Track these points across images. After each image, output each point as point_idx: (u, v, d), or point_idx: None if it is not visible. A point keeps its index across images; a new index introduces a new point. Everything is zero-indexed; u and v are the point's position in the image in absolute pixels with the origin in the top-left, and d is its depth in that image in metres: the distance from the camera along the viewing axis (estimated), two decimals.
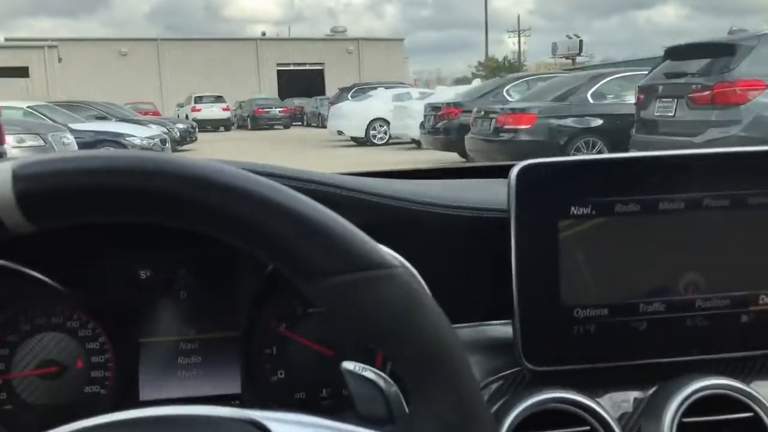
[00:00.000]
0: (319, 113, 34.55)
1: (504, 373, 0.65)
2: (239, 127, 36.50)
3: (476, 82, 20.35)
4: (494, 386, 0.64)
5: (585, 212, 0.61)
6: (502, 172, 0.70)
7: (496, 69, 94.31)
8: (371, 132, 19.96)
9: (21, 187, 0.39)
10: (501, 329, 0.70)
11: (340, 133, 20.28)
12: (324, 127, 31.91)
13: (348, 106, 20.62)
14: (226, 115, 33.21)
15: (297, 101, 39.12)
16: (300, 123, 36.63)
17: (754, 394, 0.60)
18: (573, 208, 0.61)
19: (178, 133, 18.73)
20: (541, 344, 0.63)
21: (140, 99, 44.37)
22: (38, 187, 0.39)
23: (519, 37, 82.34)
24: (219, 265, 0.69)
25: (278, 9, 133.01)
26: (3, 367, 0.68)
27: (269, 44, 50.58)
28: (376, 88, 23.52)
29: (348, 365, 0.45)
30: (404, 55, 57.86)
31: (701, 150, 0.64)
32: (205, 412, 0.43)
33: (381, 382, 0.44)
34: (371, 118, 19.84)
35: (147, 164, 0.41)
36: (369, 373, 0.44)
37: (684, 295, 0.64)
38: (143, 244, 0.66)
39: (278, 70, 51.02)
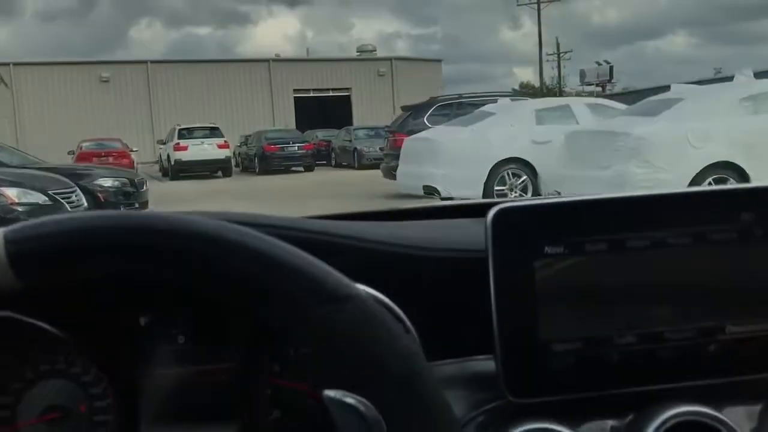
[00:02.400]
0: (355, 149, 23.77)
1: (488, 407, 0.66)
2: (244, 170, 26.00)
3: None
4: (479, 419, 0.65)
5: (558, 251, 0.63)
6: (479, 211, 0.72)
7: (532, 95, 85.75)
8: (496, 188, 9.37)
9: (12, 249, 0.44)
10: (484, 364, 0.70)
11: (431, 193, 9.63)
12: (361, 167, 21.70)
13: (445, 137, 9.94)
14: (223, 154, 22.87)
15: (321, 134, 28.54)
16: (325, 162, 26.08)
17: (725, 420, 0.62)
18: (547, 248, 0.63)
19: (84, 201, 8.15)
20: (522, 377, 0.64)
21: (123, 133, 34.39)
22: (28, 249, 0.44)
23: (559, 60, 73.02)
24: (214, 308, 0.70)
25: (290, 46, 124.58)
26: (8, 414, 0.69)
27: (284, 66, 40.58)
28: (479, 101, 12.73)
29: (329, 393, 0.47)
30: (442, 81, 47.67)
31: (664, 191, 0.67)
32: None
33: (361, 407, 0.46)
34: (497, 160, 9.27)
35: (127, 221, 0.45)
36: (350, 399, 0.46)
37: (654, 327, 0.65)
38: (142, 291, 0.67)
39: (296, 97, 40.79)
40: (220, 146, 22.91)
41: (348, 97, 42.13)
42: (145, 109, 36.98)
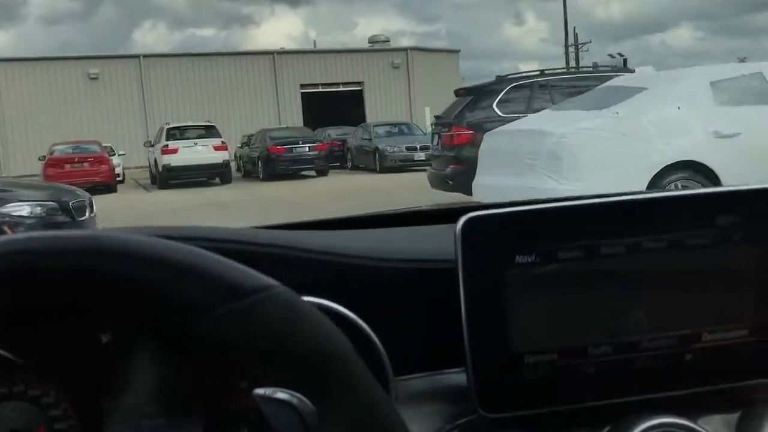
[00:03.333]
0: (376, 149, 19.97)
1: (460, 422, 0.64)
2: (246, 175, 22.22)
3: None
4: None
5: (530, 260, 0.62)
6: (447, 217, 0.70)
7: None
8: None
9: None
10: (455, 377, 0.68)
11: None
12: (383, 170, 17.98)
13: (566, 127, 5.97)
14: (220, 157, 19.09)
15: (333, 132, 24.69)
16: (339, 164, 22.21)
17: (700, 430, 0.61)
18: (518, 257, 0.62)
19: None
20: (494, 391, 0.62)
21: (113, 134, 30.71)
22: None
23: (577, 51, 69.03)
24: (174, 325, 0.67)
25: (295, 45, 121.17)
26: None
27: (290, 60, 36.80)
28: (578, 79, 8.89)
29: (259, 391, 0.45)
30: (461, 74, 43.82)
31: (637, 195, 0.65)
32: None
33: (294, 401, 0.45)
34: (663, 164, 5.29)
35: (23, 243, 0.44)
36: (281, 394, 0.45)
37: (630, 337, 0.64)
38: (102, 308, 0.63)
39: (303, 93, 36.97)
40: (216, 148, 19.13)
41: (360, 92, 38.30)
42: (138, 107, 33.30)
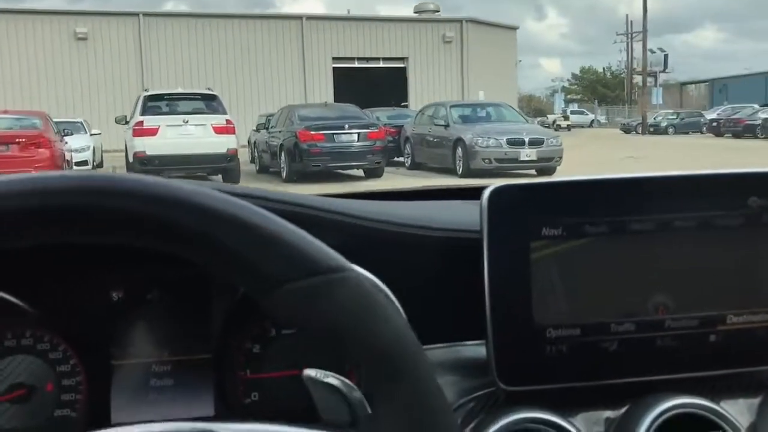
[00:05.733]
0: (458, 140, 12.93)
1: (478, 393, 0.64)
2: (262, 171, 15.26)
3: None
4: (469, 406, 0.63)
5: (556, 233, 0.61)
6: (475, 193, 0.69)
7: (595, 82, 74.70)
8: None
9: None
10: (475, 349, 0.68)
11: None
12: (470, 173, 11.41)
13: None
14: (224, 143, 12.11)
15: (382, 115, 17.56)
16: (390, 160, 15.05)
17: (723, 412, 0.60)
18: (544, 229, 0.61)
19: None
20: (515, 364, 0.62)
21: (104, 108, 23.88)
22: None
23: (630, 41, 61.61)
24: (192, 285, 0.67)
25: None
26: None
27: (321, 27, 29.70)
28: None
29: (310, 372, 0.45)
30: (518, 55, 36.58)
31: (670, 173, 0.63)
32: (166, 428, 0.45)
33: (343, 387, 0.44)
34: None
35: (95, 182, 0.41)
36: (331, 379, 0.45)
37: (654, 315, 0.63)
38: (115, 264, 0.64)
39: (335, 68, 29.84)
40: (218, 129, 12.13)
41: (403, 69, 31.15)
42: (135, 76, 26.39)
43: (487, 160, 12.54)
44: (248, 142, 17.91)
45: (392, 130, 15.60)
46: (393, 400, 0.43)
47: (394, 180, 13.19)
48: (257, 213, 0.43)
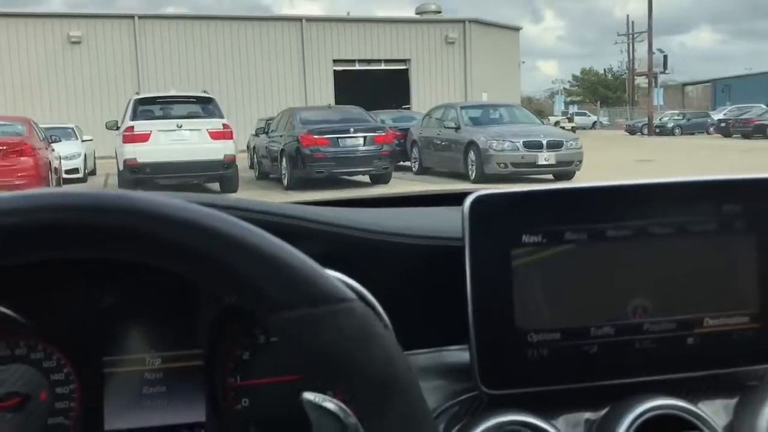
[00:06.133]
0: (471, 143, 12.10)
1: (462, 398, 0.65)
2: (263, 178, 14.44)
3: None
4: (453, 410, 0.64)
5: (536, 240, 0.62)
6: (458, 199, 0.70)
7: (596, 83, 73.90)
8: None
9: None
10: (458, 354, 0.69)
11: None
12: (484, 179, 10.94)
13: None
14: (220, 149, 11.21)
15: (387, 118, 16.73)
16: (403, 164, 14.22)
17: (700, 413, 0.62)
18: (525, 237, 0.62)
19: None
20: (497, 368, 0.63)
21: (98, 113, 23.10)
22: None
23: (631, 42, 60.84)
24: (182, 293, 0.67)
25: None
26: None
27: (321, 29, 28.88)
28: None
29: (308, 396, 0.46)
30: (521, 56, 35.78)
31: (646, 180, 0.65)
32: None
33: (340, 413, 0.45)
34: None
35: (99, 200, 0.42)
36: (329, 404, 0.45)
37: (632, 319, 0.64)
38: (106, 273, 0.64)
39: (336, 71, 29.04)
40: (215, 135, 11.28)
41: (405, 71, 30.33)
42: (130, 80, 25.54)
43: (502, 165, 11.69)
44: (247, 147, 17.07)
45: (398, 133, 14.76)
46: (384, 423, 0.44)
47: (401, 186, 12.35)
48: (265, 238, 0.44)
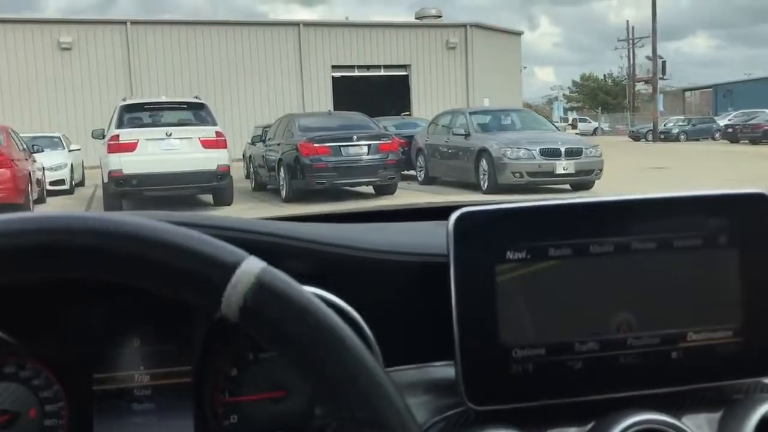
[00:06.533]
0: (483, 151, 11.11)
1: (449, 413, 0.64)
2: (259, 189, 13.56)
3: None
4: (440, 426, 0.64)
5: (520, 256, 0.62)
6: (443, 213, 0.71)
7: (596, 89, 73.21)
8: None
9: None
10: (445, 370, 0.69)
11: None
12: (497, 189, 10.05)
13: None
14: (213, 159, 10.30)
15: (390, 124, 15.83)
16: (407, 173, 13.26)
17: (684, 428, 0.61)
18: (509, 253, 0.62)
19: None
20: (483, 384, 0.63)
21: (89, 121, 22.21)
22: None
23: (632, 47, 60.12)
24: (170, 310, 0.68)
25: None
26: None
27: (319, 33, 28.06)
28: None
29: None
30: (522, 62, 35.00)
31: (628, 196, 0.65)
32: None
33: None
34: None
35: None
36: None
37: (617, 334, 0.64)
38: (95, 289, 0.65)
39: (334, 77, 28.22)
40: (207, 144, 10.40)
41: (405, 77, 29.51)
42: (123, 87, 24.64)
43: (518, 174, 10.82)
44: (243, 156, 16.18)
45: (402, 141, 13.88)
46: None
47: (406, 197, 11.48)
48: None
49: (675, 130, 35.70)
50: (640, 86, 59.27)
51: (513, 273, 0.62)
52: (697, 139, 34.36)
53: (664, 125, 36.82)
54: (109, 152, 10.12)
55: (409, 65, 29.29)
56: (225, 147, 10.50)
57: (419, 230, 0.80)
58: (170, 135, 10.23)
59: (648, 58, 63.70)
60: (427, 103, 28.29)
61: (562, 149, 10.92)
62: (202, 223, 0.63)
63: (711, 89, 60.09)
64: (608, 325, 0.64)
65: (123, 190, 10.11)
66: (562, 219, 0.63)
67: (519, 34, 35.12)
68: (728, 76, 75.50)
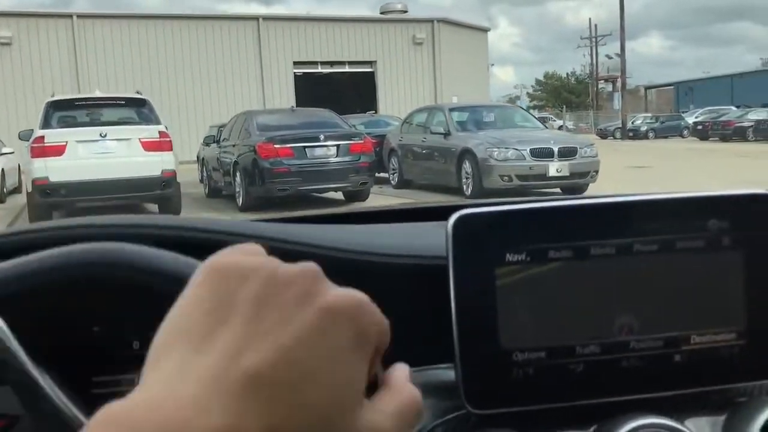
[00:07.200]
0: (466, 152, 9.72)
1: (449, 416, 0.64)
2: (212, 195, 12.05)
3: None
4: (440, 429, 0.63)
5: (520, 259, 0.61)
6: (443, 214, 0.69)
7: (559, 88, 72.76)
8: None
9: None
10: (445, 373, 0.68)
11: None
12: (483, 193, 8.79)
13: None
14: (156, 164, 8.79)
15: (358, 122, 14.38)
16: (380, 175, 11.77)
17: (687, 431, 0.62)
18: (509, 255, 0.61)
19: None
20: (483, 387, 0.62)
21: (30, 121, 20.17)
22: None
23: (595, 45, 59.65)
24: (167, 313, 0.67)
25: None
26: None
27: (280, 28, 26.53)
28: None
29: None
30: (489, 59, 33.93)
31: (629, 197, 0.64)
32: None
33: None
34: None
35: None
36: None
37: (618, 337, 0.63)
38: (96, 293, 0.65)
39: (297, 74, 26.72)
40: (149, 145, 8.89)
41: (371, 74, 28.12)
42: (69, 85, 22.77)
43: (506, 178, 9.55)
44: (197, 158, 14.63)
45: (375, 141, 12.49)
46: None
47: (381, 203, 10.15)
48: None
49: (643, 128, 35.03)
50: (601, 84, 59.05)
51: (513, 275, 0.61)
52: (666, 137, 33.74)
53: (632, 123, 36.14)
54: (32, 157, 8.54)
55: (375, 61, 27.93)
56: (170, 149, 9.00)
57: (416, 231, 0.78)
58: (105, 136, 8.70)
59: (608, 56, 63.74)
60: (393, 100, 26.98)
61: (555, 149, 9.68)
62: (187, 226, 0.61)
63: (673, 87, 60.18)
64: (610, 327, 0.62)
65: (50, 201, 8.55)
66: (563, 220, 0.62)
67: (486, 30, 34.04)
68: (682, 75, 75.97)
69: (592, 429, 0.62)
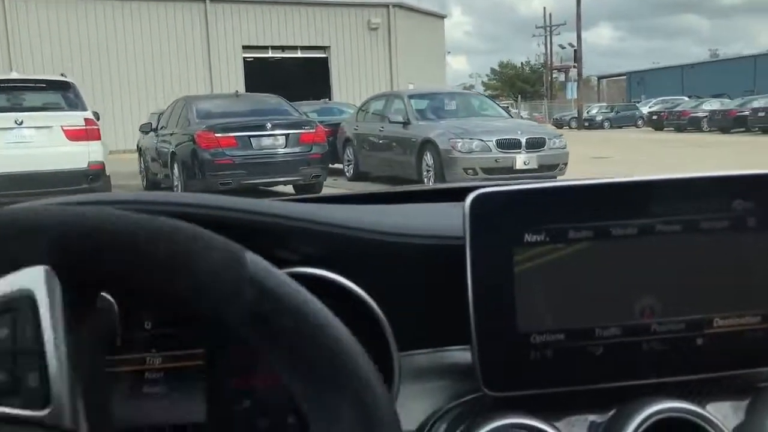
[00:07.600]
0: (426, 142, 8.86)
1: (465, 399, 0.63)
2: (151, 187, 10.96)
3: None
4: (456, 411, 0.62)
5: (539, 239, 0.60)
6: (459, 194, 0.68)
7: (514, 77, 72.65)
8: None
9: None
10: (461, 354, 0.66)
11: None
12: None
13: None
14: (81, 155, 7.68)
15: (309, 109, 13.43)
16: (334, 166, 10.90)
17: (709, 416, 0.59)
18: (527, 236, 0.60)
19: None
20: (500, 370, 0.61)
21: None
22: None
23: (550, 35, 59.56)
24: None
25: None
26: None
27: (228, 12, 25.25)
28: None
29: None
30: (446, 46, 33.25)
31: (652, 176, 0.62)
32: None
33: None
34: None
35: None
36: None
37: (639, 319, 0.62)
38: (101, 277, 0.61)
39: (246, 59, 25.57)
40: (73, 134, 7.88)
41: (325, 60, 27.11)
42: (1, 67, 21.15)
43: (470, 171, 8.81)
44: (137, 148, 13.52)
45: (326, 129, 11.60)
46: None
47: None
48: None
49: (599, 118, 34.91)
50: (554, 74, 59.13)
51: (531, 256, 0.59)
52: (620, 127, 33.66)
53: (588, 112, 36.02)
54: None
55: (329, 47, 26.92)
56: (98, 138, 8.01)
57: (433, 212, 0.77)
58: (21, 123, 7.67)
59: (561, 46, 63.93)
60: (348, 87, 26.08)
61: (522, 140, 8.98)
62: (204, 204, 0.60)
63: (625, 77, 60.61)
64: (631, 310, 0.61)
65: None
66: (583, 200, 0.60)
67: (443, 17, 33.30)
68: (631, 66, 76.90)
69: (611, 412, 0.60)
